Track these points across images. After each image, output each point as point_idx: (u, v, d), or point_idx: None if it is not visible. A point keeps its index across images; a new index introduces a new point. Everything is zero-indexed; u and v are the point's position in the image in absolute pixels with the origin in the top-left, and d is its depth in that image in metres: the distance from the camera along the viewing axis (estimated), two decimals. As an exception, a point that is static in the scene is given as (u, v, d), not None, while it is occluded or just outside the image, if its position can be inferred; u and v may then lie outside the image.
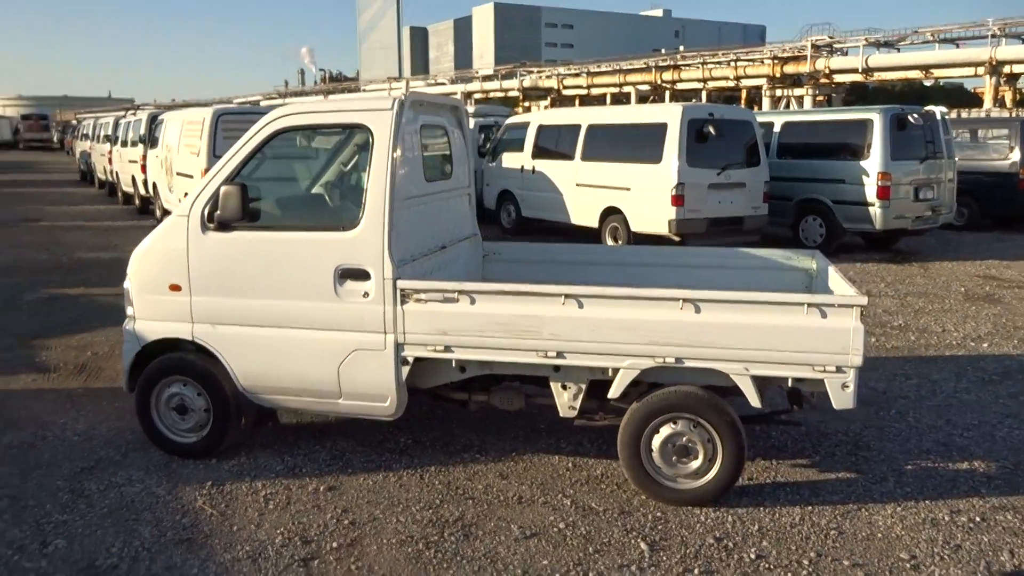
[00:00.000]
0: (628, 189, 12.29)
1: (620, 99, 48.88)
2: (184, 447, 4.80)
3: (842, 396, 4.01)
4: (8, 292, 9.64)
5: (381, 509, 4.21)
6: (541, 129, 14.30)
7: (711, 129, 11.72)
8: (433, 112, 5.21)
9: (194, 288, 4.61)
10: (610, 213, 12.65)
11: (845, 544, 3.90)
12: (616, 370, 4.22)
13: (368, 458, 4.83)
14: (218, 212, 4.46)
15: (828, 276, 4.95)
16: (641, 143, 12.17)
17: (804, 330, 3.95)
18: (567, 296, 4.17)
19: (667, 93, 46.28)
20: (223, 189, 4.44)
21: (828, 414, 5.39)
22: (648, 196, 11.90)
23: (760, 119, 13.57)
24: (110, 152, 20.26)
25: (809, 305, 3.94)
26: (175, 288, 4.63)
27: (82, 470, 4.66)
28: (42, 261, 11.98)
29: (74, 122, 47.89)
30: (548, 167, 13.88)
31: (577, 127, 13.45)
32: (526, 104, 52.30)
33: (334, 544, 3.86)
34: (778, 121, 13.54)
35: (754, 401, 4.10)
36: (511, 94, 55.67)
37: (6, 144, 56.88)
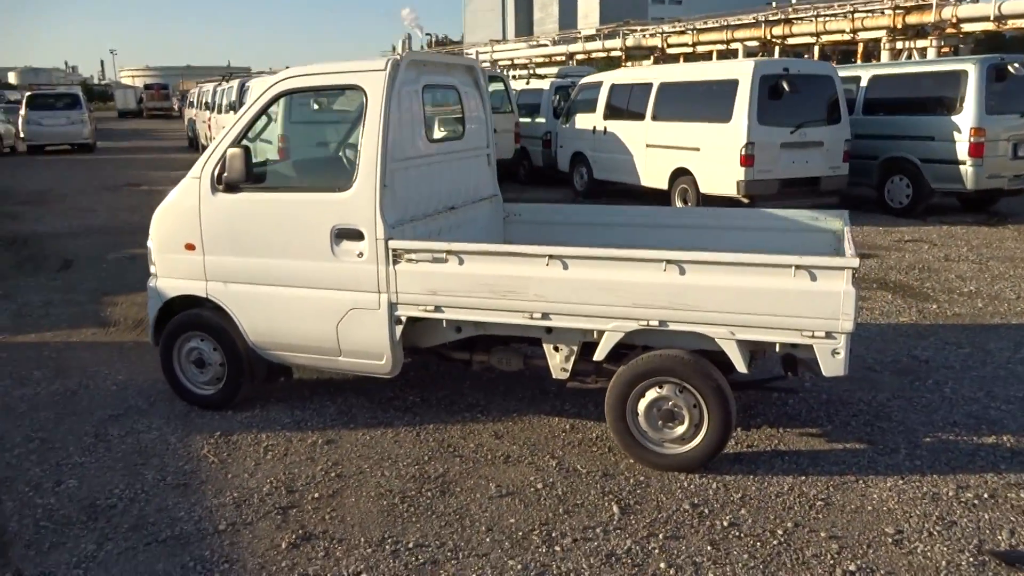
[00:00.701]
0: (697, 149, 11.94)
1: (727, 57, 46.96)
2: (203, 399, 5.06)
3: (832, 363, 3.83)
4: (96, 251, 10.29)
5: (370, 463, 4.33)
6: (613, 89, 14.02)
7: (785, 85, 11.20)
8: (441, 72, 5.21)
9: (207, 247, 4.81)
10: (680, 175, 12.33)
11: (829, 515, 3.75)
12: (602, 332, 4.17)
13: (372, 414, 4.96)
14: (225, 174, 4.63)
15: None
16: (711, 101, 11.77)
17: (792, 293, 3.79)
18: (551, 257, 4.13)
19: (777, 49, 44.16)
20: (229, 151, 4.60)
21: (857, 383, 5.21)
22: (717, 156, 11.53)
23: (846, 73, 12.89)
24: (209, 119, 21.18)
25: (797, 267, 3.77)
26: (190, 247, 4.85)
27: (110, 417, 4.99)
28: (133, 223, 12.69)
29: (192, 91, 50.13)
30: (619, 128, 13.62)
31: (649, 86, 13.12)
32: (628, 65, 51.10)
33: (316, 495, 4.01)
34: (865, 75, 12.79)
35: (740, 366, 3.97)
36: (614, 54, 54.21)
37: (131, 113, 60.22)
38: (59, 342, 6.52)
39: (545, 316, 4.20)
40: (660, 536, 3.60)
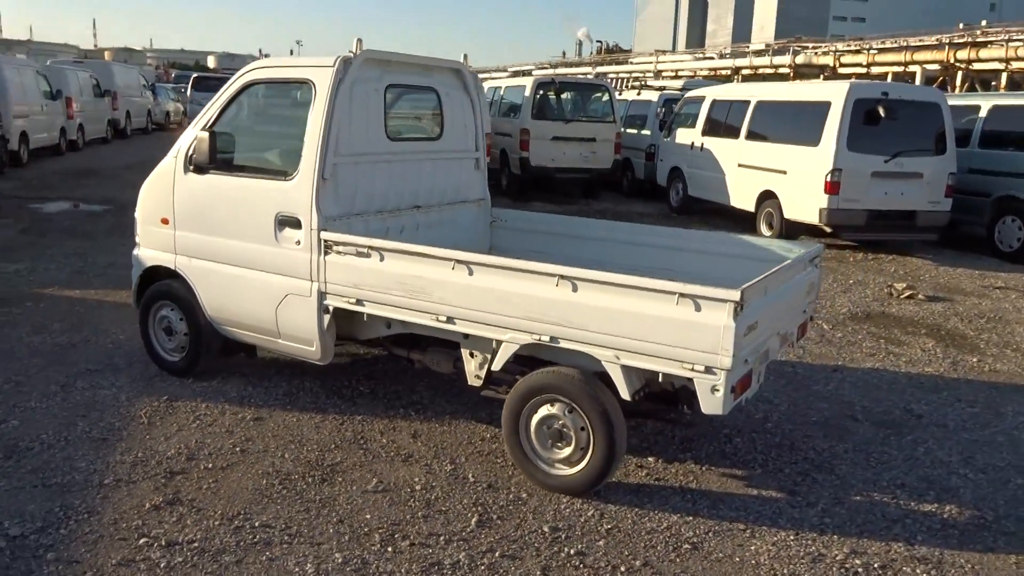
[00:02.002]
0: (784, 172, 11.40)
1: (904, 80, 43.98)
2: (169, 364, 5.40)
3: (711, 400, 3.61)
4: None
5: (277, 444, 4.48)
6: (714, 104, 13.60)
7: (882, 110, 10.49)
8: (415, 73, 5.28)
9: (177, 223, 5.14)
10: (766, 197, 11.82)
11: (687, 560, 3.54)
12: (500, 342, 4.12)
13: (314, 399, 5.12)
14: (194, 156, 4.93)
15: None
16: (802, 123, 11.21)
17: (675, 322, 3.60)
18: (457, 262, 4.13)
19: (959, 74, 40.85)
20: (198, 135, 4.89)
21: (825, 429, 4.92)
22: (802, 181, 10.96)
23: (964, 102, 11.91)
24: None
25: (681, 295, 3.58)
26: (164, 221, 5.20)
27: (86, 371, 5.42)
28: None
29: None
30: (715, 145, 13.20)
31: (746, 103, 12.64)
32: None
33: (209, 465, 4.20)
34: (985, 104, 11.75)
35: (623, 393, 3.81)
36: (781, 71, 51.73)
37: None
38: (94, 300, 7.13)
39: (450, 320, 4.20)
40: (497, 553, 3.52)
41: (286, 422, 4.77)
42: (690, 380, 3.65)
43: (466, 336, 4.33)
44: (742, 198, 12.42)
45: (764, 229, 11.85)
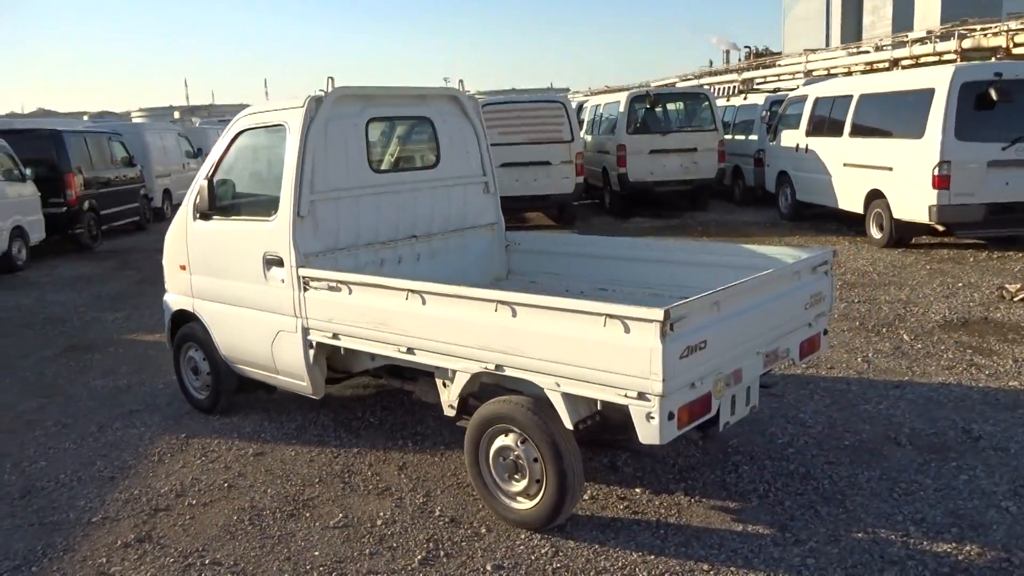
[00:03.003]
0: (891, 169, 10.51)
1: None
2: (198, 402, 5.66)
3: (647, 429, 3.32)
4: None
5: (266, 479, 4.56)
6: (817, 102, 12.78)
7: (994, 93, 9.46)
8: (403, 104, 5.28)
9: (192, 268, 5.39)
10: (874, 197, 10.94)
11: (628, 604, 3.26)
12: (455, 372, 4.00)
13: (320, 433, 5.18)
14: (198, 203, 5.17)
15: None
16: (906, 114, 10.32)
17: (606, 346, 3.36)
18: (410, 291, 4.06)
19: None
20: (200, 184, 5.13)
21: (855, 454, 4.50)
22: (910, 177, 10.06)
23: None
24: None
25: (608, 317, 3.34)
26: (183, 267, 5.47)
27: (128, 412, 5.77)
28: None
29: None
30: (819, 145, 12.39)
31: (848, 98, 11.80)
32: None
33: (193, 502, 4.33)
34: None
35: (566, 422, 3.58)
36: (947, 58, 47.58)
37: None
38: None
39: (410, 351, 4.14)
40: (426, 594, 3.39)
41: (284, 456, 4.86)
42: (626, 407, 3.38)
43: (434, 366, 4.25)
44: (849, 199, 11.56)
45: (874, 231, 10.97)
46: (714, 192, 15.73)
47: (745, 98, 17.42)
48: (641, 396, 3.29)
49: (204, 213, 5.17)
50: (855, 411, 5.18)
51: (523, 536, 3.80)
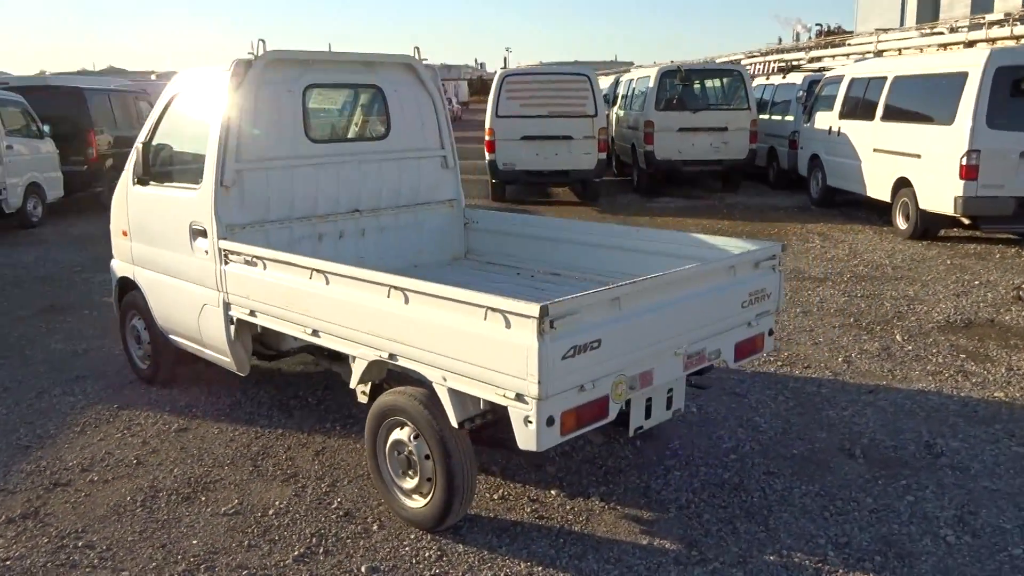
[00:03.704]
0: (919, 156, 9.89)
1: None
2: (141, 372, 5.54)
3: (525, 434, 3.04)
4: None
5: (177, 457, 4.41)
6: (852, 83, 12.11)
7: (1033, 77, 8.78)
8: (349, 71, 5.01)
9: (132, 234, 5.24)
10: (902, 185, 10.33)
11: (494, 622, 3.01)
12: (354, 358, 3.77)
13: (255, 410, 5.01)
14: (134, 168, 5.00)
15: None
16: (938, 98, 9.67)
17: (487, 340, 3.08)
18: (315, 271, 3.82)
19: None
20: (136, 148, 4.96)
21: (802, 465, 4.13)
22: (936, 166, 9.46)
23: None
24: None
25: (490, 310, 3.05)
26: (124, 233, 5.32)
27: (74, 378, 5.68)
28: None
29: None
30: (851, 128, 11.75)
31: (883, 80, 11.13)
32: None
33: (95, 478, 4.20)
34: None
35: (451, 418, 3.32)
36: None
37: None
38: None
39: (315, 333, 3.91)
40: (286, 594, 3.19)
41: (206, 434, 4.70)
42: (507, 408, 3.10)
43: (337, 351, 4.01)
44: (877, 187, 10.94)
45: (900, 221, 10.37)
46: (747, 174, 15.14)
47: (784, 77, 16.68)
48: (519, 398, 3.01)
49: (140, 178, 5.01)
50: (816, 416, 4.81)
51: (413, 536, 3.57)
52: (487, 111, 13.55)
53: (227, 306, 4.46)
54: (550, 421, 3.01)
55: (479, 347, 3.11)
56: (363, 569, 3.34)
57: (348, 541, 3.56)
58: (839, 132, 12.09)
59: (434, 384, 3.36)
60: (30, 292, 8.27)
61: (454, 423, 3.32)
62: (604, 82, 21.02)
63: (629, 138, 15.41)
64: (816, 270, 8.61)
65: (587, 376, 3.10)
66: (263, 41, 4.47)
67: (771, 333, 4.13)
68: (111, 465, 4.34)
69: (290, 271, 3.96)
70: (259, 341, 4.68)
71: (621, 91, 17.25)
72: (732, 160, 14.10)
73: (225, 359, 4.65)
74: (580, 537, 3.55)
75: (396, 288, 3.41)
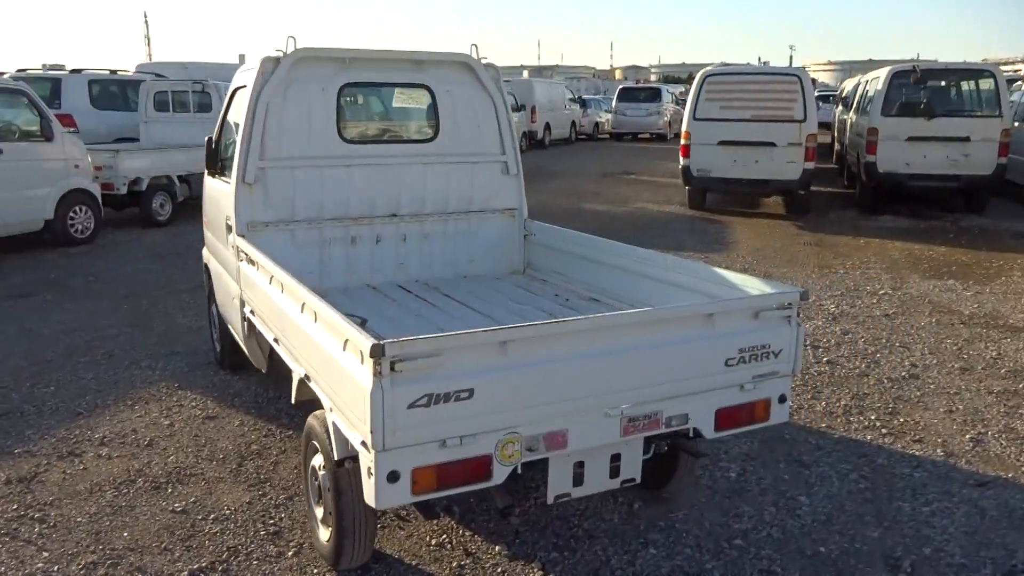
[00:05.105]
0: None
1: None
2: (216, 355, 5.78)
3: (368, 486, 2.66)
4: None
5: (181, 444, 4.51)
6: None
7: None
8: (393, 70, 4.79)
9: (206, 221, 5.50)
10: None
11: None
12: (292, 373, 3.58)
13: (282, 408, 5.00)
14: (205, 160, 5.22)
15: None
16: None
17: (344, 373, 2.74)
18: (273, 277, 3.69)
19: None
20: (206, 140, 5.16)
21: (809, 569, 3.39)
22: None
23: None
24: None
25: (348, 339, 2.71)
26: (205, 223, 5.58)
27: (170, 353, 6.08)
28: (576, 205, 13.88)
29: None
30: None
31: None
32: None
33: (103, 453, 4.41)
34: None
35: (335, 453, 3.00)
36: None
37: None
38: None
39: (276, 341, 3.78)
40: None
41: (228, 425, 4.77)
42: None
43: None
44: None
45: None
46: (1000, 192, 12.90)
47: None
48: (364, 444, 2.64)
49: (208, 170, 5.21)
50: (882, 507, 3.85)
51: (316, 571, 3.32)
52: (684, 114, 12.75)
53: (243, 302, 4.48)
54: (393, 476, 2.61)
55: (341, 378, 2.78)
56: (240, 597, 3.15)
57: (254, 563, 3.39)
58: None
59: (326, 411, 3.08)
60: (186, 266, 8.97)
61: (333, 456, 3.01)
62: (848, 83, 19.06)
63: (856, 146, 13.77)
64: (1019, 316, 7.04)
65: (454, 430, 2.65)
66: (293, 39, 4.41)
67: (783, 400, 3.32)
68: (125, 443, 4.55)
69: (262, 274, 3.87)
70: None
71: (858, 93, 15.49)
72: (973, 176, 12.04)
73: (252, 356, 4.69)
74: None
75: (305, 302, 3.17)
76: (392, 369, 2.51)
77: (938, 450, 4.46)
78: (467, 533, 3.61)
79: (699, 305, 3.15)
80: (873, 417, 4.91)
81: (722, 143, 12.22)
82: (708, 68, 12.83)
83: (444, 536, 3.58)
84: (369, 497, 2.66)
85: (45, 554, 3.46)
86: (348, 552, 3.18)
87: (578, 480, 3.05)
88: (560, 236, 4.99)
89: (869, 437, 4.63)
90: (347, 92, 4.70)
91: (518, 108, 24.61)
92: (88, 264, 9.17)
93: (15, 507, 3.84)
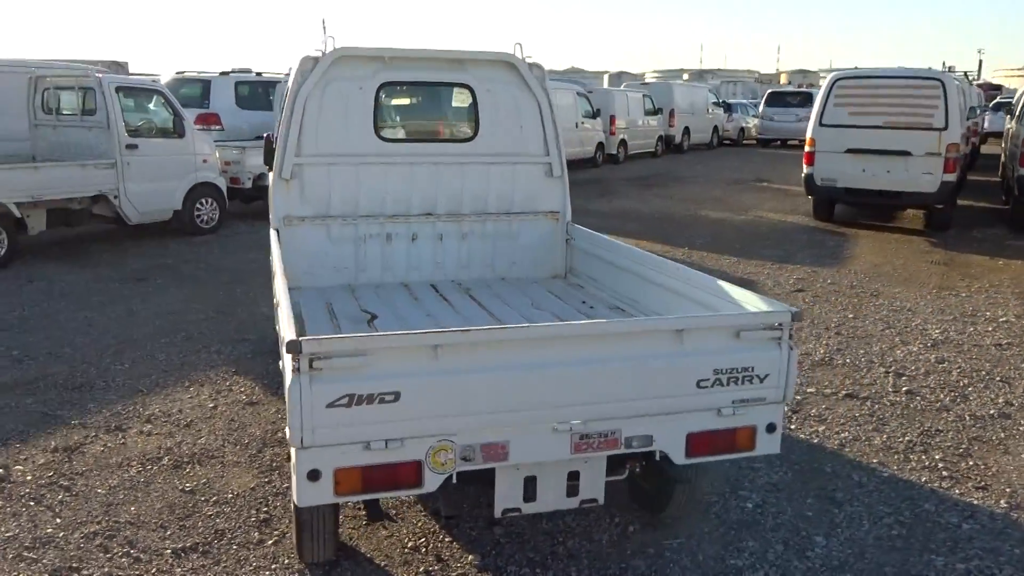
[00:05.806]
0: None
1: None
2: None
3: (292, 483, 2.65)
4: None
5: (216, 428, 4.70)
6: None
7: None
8: (431, 69, 4.76)
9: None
10: None
11: None
12: (286, 364, 3.64)
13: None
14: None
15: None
16: None
17: (283, 373, 2.75)
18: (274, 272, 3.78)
19: None
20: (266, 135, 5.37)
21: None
22: None
23: None
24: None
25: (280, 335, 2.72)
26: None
27: (240, 339, 6.37)
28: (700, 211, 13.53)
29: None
30: None
31: None
32: None
33: (144, 429, 4.67)
34: None
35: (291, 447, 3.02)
36: None
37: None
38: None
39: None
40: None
41: (263, 412, 4.93)
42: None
43: None
44: None
45: None
46: None
47: None
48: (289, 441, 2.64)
49: (267, 166, 5.40)
50: (911, 558, 3.46)
51: (287, 561, 3.36)
52: (810, 119, 12.04)
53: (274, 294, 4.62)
54: (314, 475, 2.60)
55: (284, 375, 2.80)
56: (210, 581, 3.24)
57: (234, 549, 3.48)
58: None
59: (289, 407, 3.11)
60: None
61: (290, 452, 3.03)
62: None
63: (1013, 158, 12.52)
64: None
65: (379, 433, 2.61)
66: (332, 38, 4.50)
67: (772, 430, 3.04)
68: (168, 422, 4.80)
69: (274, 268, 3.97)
70: None
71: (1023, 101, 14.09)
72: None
73: (284, 345, 4.83)
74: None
75: (278, 294, 3.21)
76: (311, 367, 2.49)
77: (1002, 501, 3.96)
78: (446, 539, 3.55)
79: (662, 320, 2.94)
80: (938, 457, 4.42)
81: (850, 151, 11.46)
82: (839, 71, 12.05)
83: (422, 539, 3.54)
84: (293, 494, 2.66)
85: (58, 520, 3.69)
86: (308, 545, 3.20)
87: (529, 496, 2.92)
88: (598, 243, 4.82)
89: (924, 479, 4.17)
90: (385, 90, 4.74)
91: (655, 112, 24.19)
92: (204, 253, 9.79)
93: (51, 474, 4.14)
